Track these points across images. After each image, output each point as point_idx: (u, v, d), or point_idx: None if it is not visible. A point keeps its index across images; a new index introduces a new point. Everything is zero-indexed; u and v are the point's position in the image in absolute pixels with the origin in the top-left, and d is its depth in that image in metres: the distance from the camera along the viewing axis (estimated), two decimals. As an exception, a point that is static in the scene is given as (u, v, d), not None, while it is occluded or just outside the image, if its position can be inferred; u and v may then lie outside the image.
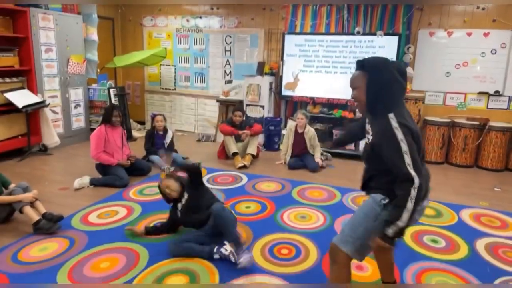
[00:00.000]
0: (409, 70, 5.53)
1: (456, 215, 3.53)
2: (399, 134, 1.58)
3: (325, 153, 5.06)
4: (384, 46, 5.35)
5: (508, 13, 5.10)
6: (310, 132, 4.96)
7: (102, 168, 4.10)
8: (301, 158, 4.98)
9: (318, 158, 4.91)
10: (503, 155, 5.12)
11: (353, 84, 1.74)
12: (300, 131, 4.97)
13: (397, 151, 1.58)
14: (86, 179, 3.99)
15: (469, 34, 5.32)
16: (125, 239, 2.87)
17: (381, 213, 1.75)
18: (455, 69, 5.48)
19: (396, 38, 5.28)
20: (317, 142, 5.00)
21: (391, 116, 1.61)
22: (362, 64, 1.70)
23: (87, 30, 6.02)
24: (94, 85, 6.20)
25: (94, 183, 4.01)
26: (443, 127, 5.35)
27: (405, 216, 1.59)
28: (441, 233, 3.14)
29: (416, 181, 1.56)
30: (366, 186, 1.91)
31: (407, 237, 3.04)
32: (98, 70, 6.42)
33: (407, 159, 1.57)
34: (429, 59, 5.56)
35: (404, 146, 1.57)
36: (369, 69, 1.67)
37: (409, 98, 5.43)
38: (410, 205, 1.57)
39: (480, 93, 5.40)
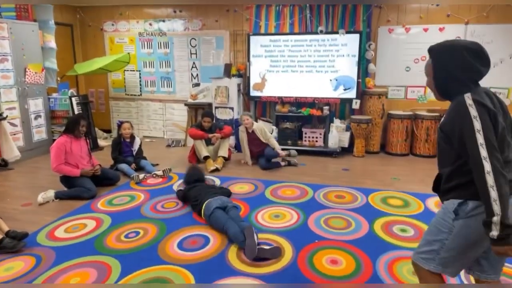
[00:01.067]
0: (371, 66, 5.70)
1: (423, 204, 3.67)
2: (473, 111, 1.44)
3: (289, 150, 5.26)
4: (347, 44, 5.48)
5: (461, 8, 5.36)
6: (258, 128, 5.09)
7: (67, 180, 3.94)
8: (264, 153, 5.09)
9: (278, 150, 5.04)
10: (463, 143, 5.37)
11: (425, 71, 1.68)
12: (250, 131, 5.07)
13: (469, 130, 1.43)
14: (50, 193, 3.83)
15: (425, 30, 5.56)
16: (96, 252, 2.77)
17: (454, 224, 1.57)
18: (414, 63, 5.70)
19: (357, 36, 5.42)
20: (268, 134, 5.15)
21: (467, 95, 1.49)
22: (429, 51, 1.63)
23: (44, 38, 5.78)
24: (54, 95, 5.96)
25: (59, 196, 3.85)
26: (406, 120, 5.56)
27: (496, 207, 1.35)
28: (409, 222, 3.26)
29: (487, 165, 1.38)
30: (439, 188, 1.70)
31: (378, 228, 3.14)
32: (58, 79, 6.18)
33: (480, 139, 1.40)
34: (390, 55, 5.76)
35: (477, 124, 1.42)
36: (434, 55, 1.60)
37: (373, 93, 5.61)
38: (494, 194, 1.35)
39: (439, 85, 5.65)
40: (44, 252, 2.79)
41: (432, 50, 1.61)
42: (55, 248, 2.85)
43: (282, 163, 5.09)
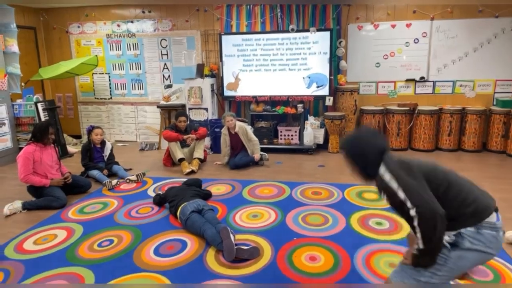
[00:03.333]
0: (342, 63, 5.77)
1: (397, 196, 3.74)
2: (387, 177, 1.62)
3: (260, 153, 5.08)
4: (318, 42, 5.52)
5: (426, 4, 5.51)
6: (241, 129, 4.99)
7: (35, 190, 3.76)
8: (239, 156, 5.01)
9: (256, 155, 4.97)
10: (432, 136, 5.54)
11: (348, 166, 1.83)
12: (233, 132, 4.98)
13: (392, 194, 1.59)
14: (17, 204, 3.65)
15: (393, 26, 5.68)
16: (67, 264, 2.66)
17: (451, 255, 1.60)
18: (384, 59, 5.82)
19: (328, 34, 5.47)
20: (252, 136, 5.05)
21: (381, 168, 1.67)
22: (341, 149, 1.86)
23: (5, 42, 5.51)
24: (19, 101, 5.70)
25: (27, 207, 3.67)
26: (378, 115, 5.67)
27: (421, 244, 1.55)
28: (384, 215, 3.31)
29: (412, 213, 1.52)
30: None
31: (354, 223, 3.18)
32: (23, 84, 5.91)
33: (401, 195, 1.56)
34: (360, 51, 5.85)
35: (394, 184, 1.58)
36: (345, 150, 1.81)
37: (345, 90, 5.69)
38: (431, 236, 1.52)
39: (408, 80, 5.80)
40: (12, 266, 2.65)
41: (342, 147, 1.84)
42: (24, 262, 2.71)
43: (257, 156, 4.98)
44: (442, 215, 1.50)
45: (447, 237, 1.61)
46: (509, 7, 5.26)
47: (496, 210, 1.62)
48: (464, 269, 1.63)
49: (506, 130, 5.28)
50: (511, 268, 2.46)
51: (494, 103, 5.58)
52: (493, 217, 1.58)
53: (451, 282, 1.76)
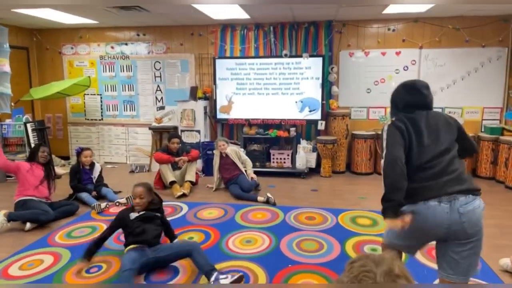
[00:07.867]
0: (334, 88, 5.87)
1: (391, 222, 3.72)
2: (384, 134, 2.01)
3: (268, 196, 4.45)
4: (311, 67, 5.63)
5: (415, 33, 5.70)
6: (232, 150, 4.95)
7: (22, 207, 3.68)
8: (237, 182, 4.79)
9: (251, 174, 4.84)
10: (423, 161, 5.60)
11: None
12: (224, 154, 4.93)
13: (382, 141, 2.06)
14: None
15: (383, 54, 5.83)
16: (53, 291, 2.55)
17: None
18: (374, 85, 5.93)
19: (320, 59, 5.59)
20: (244, 156, 5.03)
21: (387, 122, 2.05)
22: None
23: (-3, 61, 5.47)
24: (8, 121, 5.61)
25: (13, 218, 3.58)
26: (369, 139, 5.73)
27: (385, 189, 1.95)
28: (379, 241, 3.27)
29: (382, 161, 1.95)
30: None
31: (349, 249, 3.14)
32: (12, 104, 5.82)
33: (384, 147, 1.97)
34: (351, 77, 5.97)
35: (386, 138, 1.98)
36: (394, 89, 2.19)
37: (337, 115, 5.75)
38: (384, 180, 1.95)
39: (398, 106, 5.89)
40: (-7, 295, 2.53)
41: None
42: (6, 289, 2.59)
43: (260, 198, 4.45)
44: (400, 161, 1.87)
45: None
46: (495, 37, 5.46)
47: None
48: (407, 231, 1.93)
49: (494, 157, 5.37)
50: (508, 296, 2.44)
51: (482, 130, 5.70)
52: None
53: None
